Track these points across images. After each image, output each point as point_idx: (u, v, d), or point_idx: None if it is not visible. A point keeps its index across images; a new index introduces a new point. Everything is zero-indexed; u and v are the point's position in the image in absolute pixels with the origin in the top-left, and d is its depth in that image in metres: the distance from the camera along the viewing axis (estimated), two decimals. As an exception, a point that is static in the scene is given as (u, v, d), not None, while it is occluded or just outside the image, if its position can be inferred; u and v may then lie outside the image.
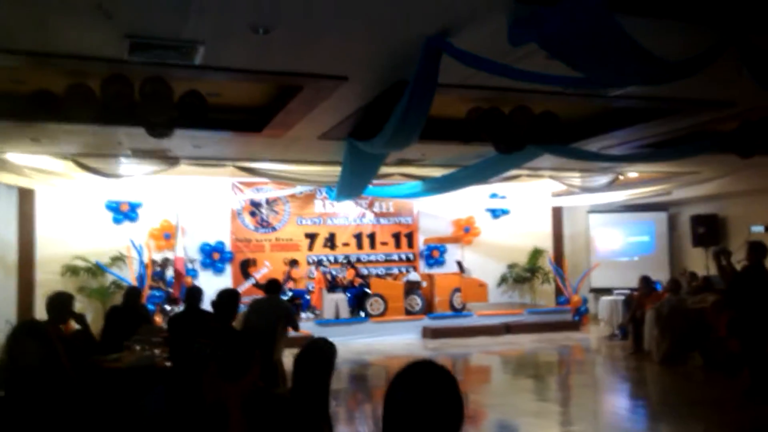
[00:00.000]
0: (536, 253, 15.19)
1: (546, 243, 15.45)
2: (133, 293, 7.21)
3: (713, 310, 9.27)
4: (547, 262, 15.04)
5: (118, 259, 12.32)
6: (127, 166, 9.97)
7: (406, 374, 1.65)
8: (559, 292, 15.01)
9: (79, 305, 9.50)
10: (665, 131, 8.28)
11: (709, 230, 13.45)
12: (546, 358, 11.31)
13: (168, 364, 5.27)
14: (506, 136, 7.01)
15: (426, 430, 1.56)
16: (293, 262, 13.45)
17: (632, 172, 12.24)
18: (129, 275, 12.09)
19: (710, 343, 9.33)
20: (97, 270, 12.12)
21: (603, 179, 12.45)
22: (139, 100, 5.58)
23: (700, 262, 13.32)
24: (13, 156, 9.24)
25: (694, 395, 8.06)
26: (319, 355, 4.49)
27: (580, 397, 8.82)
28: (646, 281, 11.30)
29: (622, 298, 12.34)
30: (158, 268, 12.32)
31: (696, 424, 6.75)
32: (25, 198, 11.89)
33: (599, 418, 7.51)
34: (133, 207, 12.75)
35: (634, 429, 7.07)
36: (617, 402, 8.48)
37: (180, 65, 5.17)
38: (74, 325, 5.27)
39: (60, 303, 4.84)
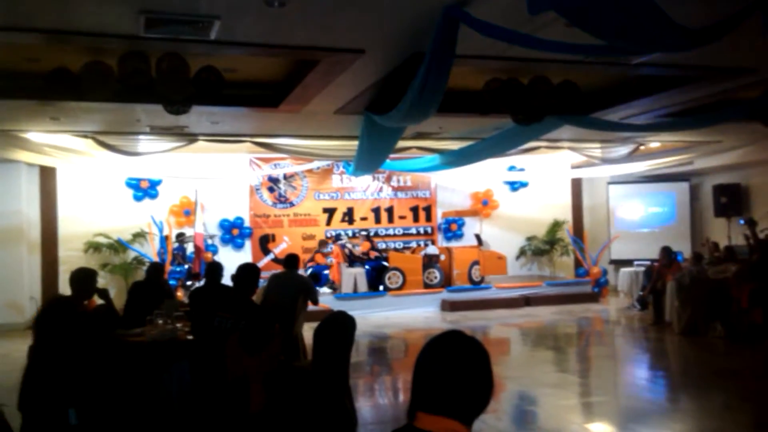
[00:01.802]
0: (555, 225, 15.11)
1: (565, 215, 15.35)
2: (155, 269, 7.31)
3: (736, 281, 9.18)
4: (566, 234, 14.96)
5: (140, 236, 12.47)
6: (146, 143, 10.04)
7: (438, 344, 1.65)
8: (578, 264, 14.94)
9: (101, 281, 9.68)
10: (687, 100, 8.13)
11: (731, 200, 13.26)
12: (565, 330, 11.31)
13: (190, 337, 5.34)
14: (525, 107, 6.93)
15: (456, 400, 1.57)
16: (323, 243, 13.49)
17: (653, 142, 12.06)
18: (150, 251, 12.23)
19: (732, 313, 9.25)
20: (119, 246, 12.29)
21: (623, 150, 12.29)
22: (156, 76, 5.59)
23: (722, 233, 13.16)
24: (34, 135, 9.34)
25: (715, 366, 8.03)
26: (338, 328, 4.52)
27: (600, 368, 8.82)
28: (667, 252, 11.20)
29: (643, 269, 12.25)
30: (178, 244, 12.45)
31: (717, 394, 6.73)
32: (47, 176, 12.04)
33: (619, 389, 7.51)
34: (153, 184, 12.87)
35: (655, 399, 7.07)
36: (637, 373, 8.46)
37: (196, 41, 5.15)
38: (98, 300, 5.34)
39: (84, 278, 4.90)
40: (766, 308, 7.37)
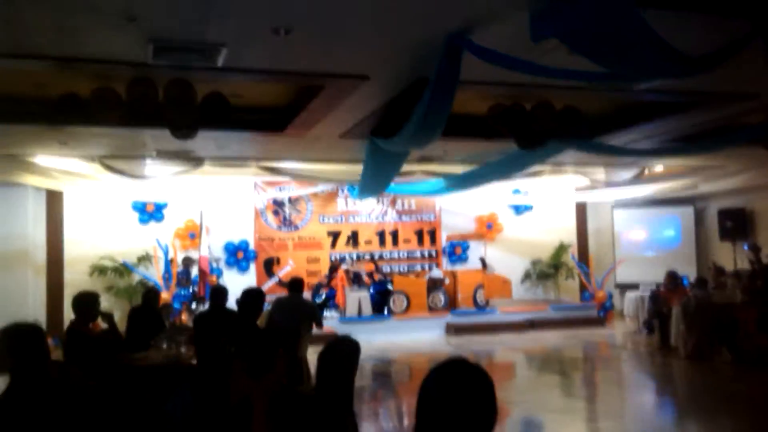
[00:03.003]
0: (560, 249, 15.09)
1: (570, 238, 15.33)
2: (150, 295, 7.26)
3: (743, 305, 9.14)
4: (570, 258, 14.93)
5: (145, 259, 12.50)
6: (153, 167, 10.12)
7: (442, 371, 1.66)
8: (583, 287, 14.88)
9: (106, 304, 9.70)
10: (691, 125, 8.16)
11: (736, 224, 13.24)
12: (571, 355, 11.24)
13: (194, 362, 5.34)
14: (528, 132, 6.97)
15: (460, 428, 1.57)
16: (334, 269, 13.48)
17: (657, 166, 12.08)
18: (155, 274, 12.26)
19: (738, 338, 9.20)
20: (123, 270, 12.31)
21: (627, 174, 12.31)
22: (163, 102, 5.66)
23: (727, 257, 13.12)
24: (41, 159, 9.43)
25: (722, 391, 7.96)
26: (342, 352, 4.51)
27: (607, 393, 8.76)
28: (672, 276, 11.16)
29: (648, 293, 12.20)
30: (183, 267, 12.47)
31: (726, 419, 6.67)
32: (54, 200, 12.12)
33: (626, 415, 7.45)
34: (159, 207, 12.93)
35: (662, 425, 7.00)
36: (644, 398, 8.40)
37: (203, 68, 5.22)
38: (102, 324, 5.36)
39: (86, 302, 4.93)
40: (772, 333, 7.33)
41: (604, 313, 13.96)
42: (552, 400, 7.88)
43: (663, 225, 15.02)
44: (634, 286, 13.72)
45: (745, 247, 8.22)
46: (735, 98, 6.90)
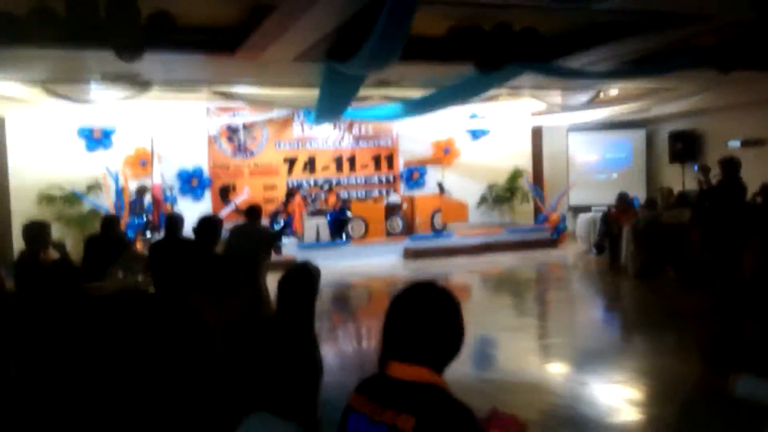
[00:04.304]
0: (515, 173, 15.26)
1: (525, 163, 15.50)
2: (109, 221, 7.12)
3: (690, 225, 9.46)
4: (525, 182, 15.14)
5: (95, 187, 12.16)
6: (98, 91, 9.70)
7: (410, 294, 1.65)
8: (537, 210, 15.18)
9: (57, 234, 9.46)
10: (645, 47, 8.18)
11: (686, 146, 13.55)
12: (524, 275, 11.57)
13: (151, 290, 5.29)
14: (487, 54, 6.88)
15: (428, 348, 1.58)
16: (291, 194, 13.34)
17: (612, 90, 12.16)
18: (106, 203, 11.97)
19: (685, 257, 9.56)
20: (73, 198, 11.98)
21: (583, 97, 12.38)
22: (105, 21, 5.35)
23: (676, 179, 13.49)
24: (-22, 83, 8.93)
25: (667, 307, 8.33)
26: (302, 277, 4.51)
27: (557, 311, 9.09)
28: (623, 198, 11.45)
29: (600, 215, 12.53)
30: (136, 196, 12.20)
31: (669, 334, 7.02)
32: (-5, 126, 11.58)
33: (576, 331, 7.76)
34: (107, 134, 12.50)
35: (610, 340, 7.34)
36: (593, 315, 8.75)
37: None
38: (53, 254, 5.23)
39: (37, 231, 4.78)
40: (714, 251, 7.62)
41: (557, 235, 14.33)
42: (506, 320, 8.14)
43: (615, 148, 15.28)
44: (586, 209, 14.07)
45: (695, 168, 8.42)
46: (689, 19, 6.90)
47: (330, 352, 6.70)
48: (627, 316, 8.65)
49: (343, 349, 7.19)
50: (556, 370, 6.18)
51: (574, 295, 10.20)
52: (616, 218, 11.23)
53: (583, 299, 9.88)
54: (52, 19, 5.32)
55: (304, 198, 13.47)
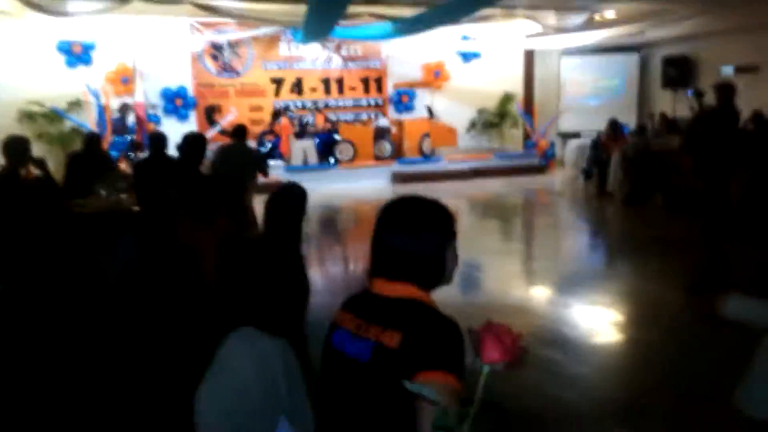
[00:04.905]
0: (506, 98, 15.04)
1: (517, 87, 15.24)
2: (92, 139, 6.97)
3: (680, 151, 9.42)
4: (515, 107, 14.95)
5: (76, 105, 11.85)
6: (76, 2, 9.30)
7: (396, 207, 1.59)
8: (527, 136, 15.07)
9: (38, 152, 9.26)
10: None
11: (680, 72, 13.37)
12: (512, 201, 11.59)
13: (136, 209, 5.22)
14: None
15: (413, 265, 1.52)
16: (277, 114, 13.09)
17: (607, 11, 11.86)
18: (88, 121, 11.69)
19: (673, 183, 9.57)
20: (54, 116, 11.68)
21: (578, 19, 12.07)
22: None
23: (668, 105, 13.37)
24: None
25: (653, 233, 8.40)
26: (290, 198, 4.45)
27: (544, 236, 9.16)
28: (613, 125, 11.38)
29: (590, 141, 12.46)
30: (118, 114, 11.92)
31: (653, 259, 7.09)
32: (-29, 40, 11.13)
33: (561, 255, 7.84)
34: (87, 48, 12.07)
35: (594, 264, 7.43)
36: (579, 240, 8.81)
37: None
38: (34, 171, 5.11)
39: (15, 146, 4.64)
40: (705, 178, 7.61)
41: (546, 162, 14.29)
42: (492, 244, 8.19)
43: (609, 73, 15.05)
44: (576, 135, 13.98)
45: (690, 93, 8.29)
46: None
47: (317, 274, 6.73)
48: (612, 241, 8.72)
49: (330, 271, 7.23)
50: (541, 293, 6.27)
51: (560, 220, 10.26)
52: (606, 145, 11.17)
53: (569, 225, 9.94)
54: None
55: (292, 120, 13.23)
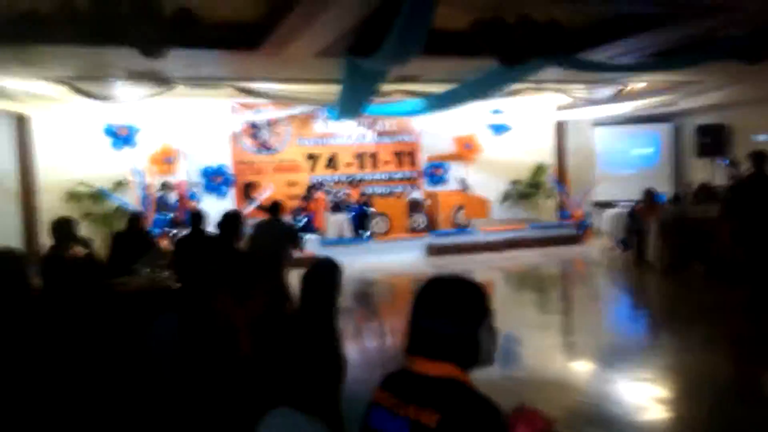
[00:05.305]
0: (539, 169, 15.12)
1: (549, 158, 15.35)
2: (135, 218, 7.22)
3: (719, 219, 9.29)
4: (549, 178, 14.98)
5: (121, 185, 12.30)
6: (123, 89, 9.79)
7: (435, 287, 1.62)
8: (561, 206, 15.03)
9: (84, 231, 9.58)
10: (671, 39, 8.03)
11: (714, 140, 13.30)
12: (549, 272, 11.45)
13: (176, 286, 5.32)
14: (510, 48, 6.80)
15: (452, 344, 1.53)
16: (311, 189, 13.39)
17: (638, 83, 11.98)
18: (132, 200, 12.10)
19: (713, 252, 9.39)
20: (100, 196, 12.13)
21: (608, 91, 12.21)
22: (129, 18, 5.39)
23: (704, 173, 13.24)
24: (6, 82, 9.05)
25: (696, 303, 8.19)
26: (325, 273, 4.51)
27: (583, 308, 8.98)
28: (649, 194, 11.28)
29: (625, 211, 12.35)
30: (160, 192, 12.32)
31: (697, 331, 6.88)
32: (23, 125, 11.75)
33: (602, 327, 7.66)
34: (132, 132, 12.62)
35: (636, 337, 7.23)
36: (619, 311, 8.63)
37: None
38: (80, 250, 5.28)
39: (63, 227, 4.84)
40: (746, 246, 7.46)
41: (582, 231, 14.17)
42: (530, 316, 8.06)
43: (642, 143, 15.06)
44: (611, 204, 13.88)
45: (725, 162, 8.26)
46: (716, 10, 6.76)
47: (353, 349, 6.69)
48: (654, 312, 8.51)
49: (366, 346, 7.18)
50: (582, 367, 6.10)
51: (599, 291, 10.08)
52: (642, 214, 11.06)
53: (609, 295, 9.75)
54: (76, 16, 5.36)
55: (327, 194, 13.48)
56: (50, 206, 11.61)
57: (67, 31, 5.44)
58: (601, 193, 14.93)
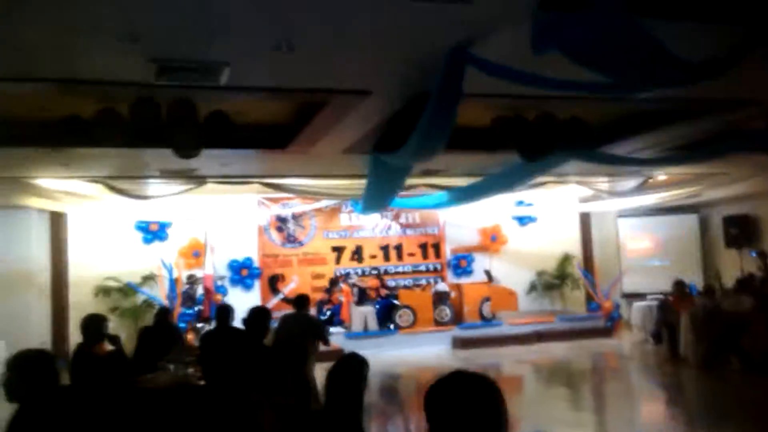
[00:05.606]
0: (565, 260, 15.03)
1: (575, 249, 15.28)
2: (162, 313, 7.31)
3: (753, 312, 9.09)
4: (576, 268, 14.87)
5: (149, 279, 12.48)
6: (156, 186, 10.13)
7: (444, 385, 1.63)
8: (589, 298, 14.81)
9: (111, 325, 9.66)
10: (693, 132, 8.15)
11: (741, 231, 13.18)
12: (579, 366, 11.15)
13: (202, 382, 5.30)
14: (531, 143, 6.96)
15: None
16: (334, 282, 13.47)
17: (661, 175, 12.06)
18: (160, 294, 12.23)
19: (748, 345, 9.12)
20: (128, 290, 12.29)
21: (631, 182, 12.29)
22: (166, 122, 5.66)
23: (733, 264, 13.05)
24: (44, 181, 9.43)
25: (733, 399, 7.88)
26: (351, 369, 4.47)
27: (616, 405, 8.68)
28: (680, 285, 11.09)
29: (656, 303, 12.13)
30: (187, 285, 12.44)
31: (737, 427, 6.59)
32: (57, 221, 12.14)
33: (637, 426, 7.38)
34: (163, 227, 12.93)
35: (673, 437, 6.93)
36: (654, 409, 8.32)
37: (206, 86, 5.22)
38: (108, 347, 5.33)
39: (94, 324, 4.91)
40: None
41: (612, 324, 13.87)
42: (561, 413, 7.80)
43: (668, 233, 14.95)
44: (640, 296, 13.64)
45: (753, 254, 8.16)
46: (737, 105, 6.89)
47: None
48: (691, 409, 8.19)
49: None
50: (618, 468, 5.84)
51: (633, 387, 9.76)
52: (674, 306, 10.84)
53: (642, 391, 9.43)
54: (116, 121, 5.65)
55: (352, 287, 13.49)
56: (79, 300, 11.79)
57: (108, 135, 5.72)
58: (629, 285, 14.73)
